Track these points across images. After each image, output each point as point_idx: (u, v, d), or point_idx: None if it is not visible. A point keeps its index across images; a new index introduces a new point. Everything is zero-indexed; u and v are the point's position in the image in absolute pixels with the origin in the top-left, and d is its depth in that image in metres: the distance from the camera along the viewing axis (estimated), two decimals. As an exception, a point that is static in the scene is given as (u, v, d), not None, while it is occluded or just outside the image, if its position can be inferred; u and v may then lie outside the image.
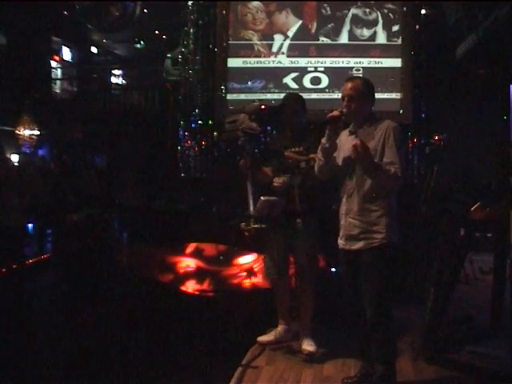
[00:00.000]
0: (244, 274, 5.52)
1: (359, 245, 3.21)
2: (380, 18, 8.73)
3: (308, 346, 3.93)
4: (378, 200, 3.19)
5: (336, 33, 8.81)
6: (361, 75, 8.69)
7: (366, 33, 8.78)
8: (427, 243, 5.01)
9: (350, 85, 3.29)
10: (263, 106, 4.00)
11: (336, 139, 3.31)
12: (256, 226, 3.81)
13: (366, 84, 3.32)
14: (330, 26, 8.82)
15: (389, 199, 3.22)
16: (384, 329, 3.17)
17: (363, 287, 3.21)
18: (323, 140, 3.32)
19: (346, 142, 3.32)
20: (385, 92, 7.89)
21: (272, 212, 3.82)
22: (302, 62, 8.86)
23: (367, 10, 8.73)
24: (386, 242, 3.15)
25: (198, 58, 9.03)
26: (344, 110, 3.24)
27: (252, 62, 8.94)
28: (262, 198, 3.80)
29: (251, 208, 3.84)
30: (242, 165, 3.97)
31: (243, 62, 8.94)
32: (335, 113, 3.23)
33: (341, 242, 3.33)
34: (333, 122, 3.24)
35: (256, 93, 8.72)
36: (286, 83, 8.79)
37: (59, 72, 14.67)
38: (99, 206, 7.48)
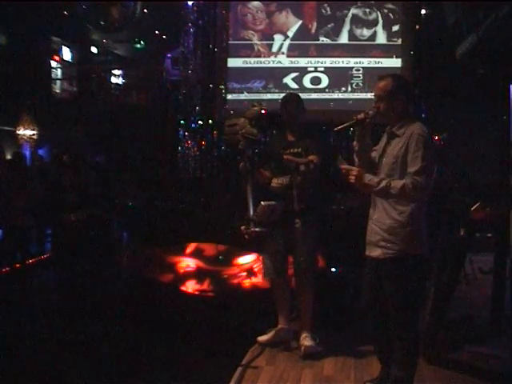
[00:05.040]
0: (244, 273, 5.51)
1: (378, 252, 3.10)
2: (380, 18, 8.73)
3: (306, 340, 3.92)
4: (399, 208, 3.01)
5: (336, 33, 8.82)
6: (361, 75, 8.73)
7: (366, 33, 8.79)
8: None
9: (379, 84, 3.12)
10: (263, 111, 3.95)
11: (365, 141, 3.18)
12: (257, 229, 3.81)
13: (397, 82, 3.11)
14: (329, 26, 8.83)
15: (414, 208, 3.01)
16: (405, 339, 3.04)
17: (387, 298, 3.09)
18: (354, 143, 3.23)
19: (381, 143, 3.20)
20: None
21: (271, 216, 3.81)
22: (302, 62, 8.86)
23: (367, 10, 8.74)
24: (403, 254, 3.00)
25: (197, 58, 9.05)
26: (370, 112, 3.10)
27: (252, 62, 8.94)
28: (262, 203, 3.79)
29: (251, 211, 3.83)
30: (242, 168, 3.96)
31: (243, 62, 8.94)
32: (361, 115, 3.11)
33: (366, 247, 3.21)
34: (359, 124, 3.12)
35: (256, 93, 8.74)
36: (286, 83, 8.81)
37: (59, 72, 14.69)
38: (99, 206, 7.48)
